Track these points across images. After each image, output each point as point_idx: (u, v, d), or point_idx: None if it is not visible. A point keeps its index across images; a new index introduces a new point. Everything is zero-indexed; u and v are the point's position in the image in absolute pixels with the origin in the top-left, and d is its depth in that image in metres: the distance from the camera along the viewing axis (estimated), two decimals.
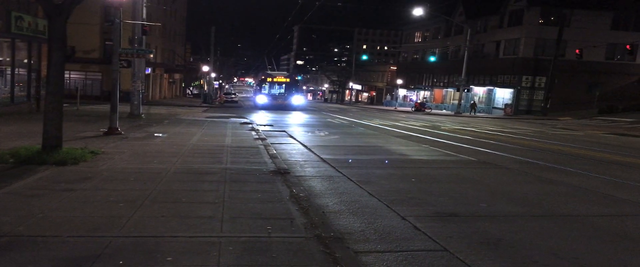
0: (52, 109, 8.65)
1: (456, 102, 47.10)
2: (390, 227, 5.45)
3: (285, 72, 44.76)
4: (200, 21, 69.60)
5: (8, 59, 19.15)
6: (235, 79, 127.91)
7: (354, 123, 24.47)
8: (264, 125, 20.34)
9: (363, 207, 6.36)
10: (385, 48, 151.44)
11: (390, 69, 75.73)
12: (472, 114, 42.85)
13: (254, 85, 56.18)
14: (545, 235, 5.39)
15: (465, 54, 44.35)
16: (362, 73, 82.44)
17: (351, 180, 8.25)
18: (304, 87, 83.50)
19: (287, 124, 22.31)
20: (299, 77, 43.23)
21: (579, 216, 6.28)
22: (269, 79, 39.57)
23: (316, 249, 4.38)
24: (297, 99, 38.77)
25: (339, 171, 9.11)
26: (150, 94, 45.06)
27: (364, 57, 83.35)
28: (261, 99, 38.19)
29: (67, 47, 8.96)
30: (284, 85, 39.05)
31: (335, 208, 6.31)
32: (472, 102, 45.94)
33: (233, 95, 62.32)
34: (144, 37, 22.25)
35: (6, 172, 7.25)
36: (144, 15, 22.68)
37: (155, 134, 14.02)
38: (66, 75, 29.48)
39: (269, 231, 4.86)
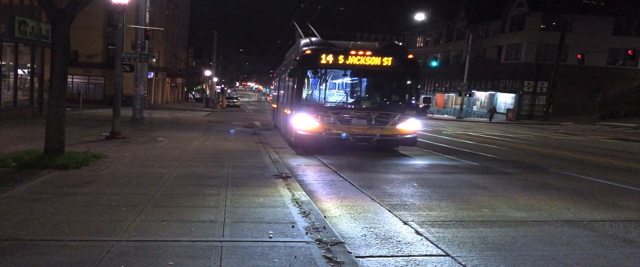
0: (55, 113, 8.68)
1: (458, 106, 47.08)
2: (392, 232, 5.44)
3: (376, 43, 14.20)
4: (203, 26, 69.74)
5: (11, 63, 19.24)
6: (238, 84, 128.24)
7: None
8: None
9: (365, 212, 6.35)
10: None
11: None
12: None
13: (278, 81, 20.82)
14: (548, 240, 5.37)
15: (467, 58, 44.39)
16: None
17: (353, 184, 8.24)
18: None
19: None
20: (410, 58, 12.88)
21: (581, 222, 6.26)
22: (328, 59, 12.30)
23: (318, 254, 4.38)
24: (411, 124, 12.60)
25: (341, 175, 9.10)
26: (153, 98, 45.20)
27: None
28: (303, 121, 12.27)
29: (70, 51, 9.01)
30: (372, 76, 13.03)
31: (337, 213, 6.30)
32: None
33: (235, 100, 62.55)
34: (146, 41, 22.35)
35: (9, 176, 7.27)
36: (147, 20, 22.79)
37: (158, 138, 14.04)
38: (69, 80, 29.74)
39: (271, 235, 4.85)
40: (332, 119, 12.07)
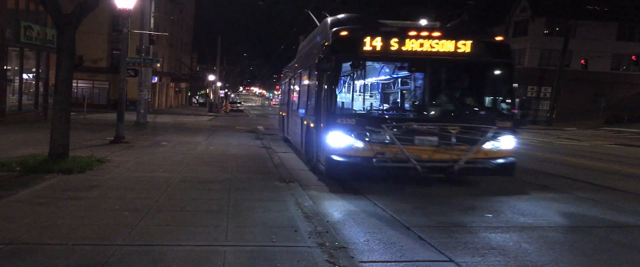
0: (60, 117, 8.73)
1: None
2: (395, 237, 5.43)
3: (437, 23, 11.00)
4: (207, 31, 70.17)
5: (16, 68, 19.38)
6: (241, 88, 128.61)
7: None
8: None
9: (368, 217, 6.35)
10: None
11: None
12: None
13: (289, 82, 15.77)
14: (551, 246, 5.35)
15: None
16: None
17: (356, 189, 8.23)
18: None
19: None
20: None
21: (585, 227, 6.23)
22: (374, 43, 8.27)
23: (320, 258, 4.38)
24: (507, 143, 8.49)
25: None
26: (157, 102, 45.35)
27: None
28: (341, 140, 8.14)
29: (75, 56, 9.07)
30: (444, 70, 8.93)
31: (340, 217, 6.31)
32: None
33: (239, 105, 62.77)
34: (151, 46, 22.48)
35: (13, 180, 7.30)
36: (152, 25, 22.93)
37: (161, 143, 14.09)
38: (74, 84, 29.75)
39: (274, 240, 4.86)
40: (387, 137, 8.03)
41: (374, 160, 7.98)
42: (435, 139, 8.19)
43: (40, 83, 21.05)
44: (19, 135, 14.21)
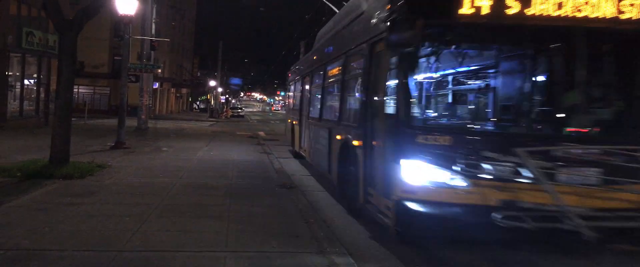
0: (61, 123, 8.74)
1: None
2: (398, 244, 5.40)
3: None
4: (209, 36, 70.34)
5: (18, 74, 19.43)
6: (242, 94, 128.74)
7: None
8: None
9: (370, 223, 6.31)
10: None
11: None
12: None
13: (301, 80, 12.40)
14: (558, 252, 5.31)
15: None
16: None
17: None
18: None
19: None
20: None
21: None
22: (479, 1, 4.38)
23: (321, 264, 4.35)
24: None
25: None
26: (157, 108, 45.40)
27: None
28: (418, 173, 4.58)
29: (76, 62, 9.09)
30: (605, 50, 5.11)
31: (342, 223, 6.27)
32: None
33: (239, 110, 62.81)
34: (152, 52, 22.54)
35: (13, 186, 7.29)
36: (153, 31, 23.01)
37: (162, 148, 14.08)
38: (75, 90, 29.76)
39: (274, 246, 4.83)
40: (522, 173, 4.46)
41: (496, 215, 4.34)
42: (612, 174, 4.49)
43: (41, 89, 21.09)
44: (19, 140, 14.21)
